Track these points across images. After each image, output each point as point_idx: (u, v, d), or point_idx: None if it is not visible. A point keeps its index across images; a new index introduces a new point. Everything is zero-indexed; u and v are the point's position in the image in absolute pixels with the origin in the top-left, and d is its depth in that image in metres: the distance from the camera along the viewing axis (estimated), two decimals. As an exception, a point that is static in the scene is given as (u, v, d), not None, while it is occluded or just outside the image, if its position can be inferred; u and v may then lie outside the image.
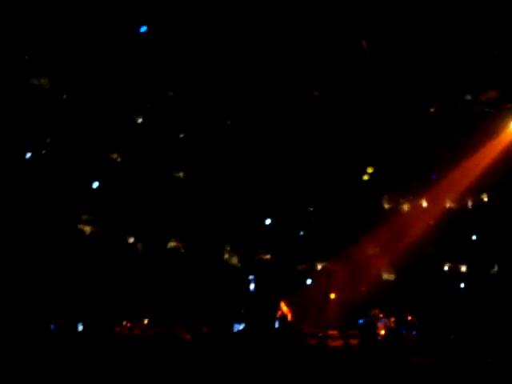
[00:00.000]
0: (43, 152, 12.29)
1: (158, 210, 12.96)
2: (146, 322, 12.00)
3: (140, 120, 12.97)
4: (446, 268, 12.65)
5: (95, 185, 13.05)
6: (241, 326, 11.45)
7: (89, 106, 12.34)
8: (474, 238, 12.76)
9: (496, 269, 12.58)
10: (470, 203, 12.65)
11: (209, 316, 11.59)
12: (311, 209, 13.16)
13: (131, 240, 13.08)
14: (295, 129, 12.62)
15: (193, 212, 13.06)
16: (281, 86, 12.26)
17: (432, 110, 11.81)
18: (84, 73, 11.92)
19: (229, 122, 13.00)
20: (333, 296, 12.33)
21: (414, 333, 11.07)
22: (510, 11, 10.55)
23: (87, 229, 12.83)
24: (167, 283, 12.43)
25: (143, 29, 11.41)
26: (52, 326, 10.29)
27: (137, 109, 12.80)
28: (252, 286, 12.70)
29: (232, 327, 11.60)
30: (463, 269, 12.55)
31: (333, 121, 12.37)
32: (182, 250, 13.01)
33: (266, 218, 12.99)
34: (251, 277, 12.71)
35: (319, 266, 12.93)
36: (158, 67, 12.05)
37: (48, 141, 12.27)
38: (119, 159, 13.28)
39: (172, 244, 13.04)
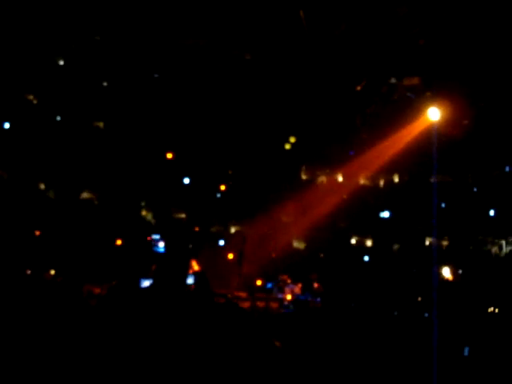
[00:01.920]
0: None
1: (74, 158, 12.53)
2: (52, 272, 11.68)
3: (62, 62, 12.40)
4: (353, 241, 13.22)
5: (6, 125, 12.39)
6: (148, 282, 11.38)
7: (5, 43, 11.61)
8: (381, 215, 13.38)
9: (397, 246, 13.32)
10: (381, 182, 13.23)
11: (118, 270, 11.44)
12: (230, 172, 13.23)
13: (42, 187, 12.59)
14: (222, 90, 12.57)
15: (110, 164, 12.75)
16: (208, 43, 12.13)
17: (358, 88, 12.15)
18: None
19: (156, 75, 12.71)
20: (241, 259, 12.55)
21: (319, 300, 11.55)
22: (437, 3, 11.01)
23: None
24: (78, 235, 12.12)
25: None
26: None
27: (59, 50, 12.20)
28: (161, 245, 12.61)
29: (139, 282, 11.51)
30: (369, 243, 13.18)
31: (261, 86, 12.43)
32: (96, 202, 12.70)
33: (184, 177, 12.92)
34: (157, 236, 12.58)
35: (233, 229, 13.09)
36: (87, 9, 11.53)
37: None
38: (35, 101, 12.66)
39: (85, 195, 12.69)
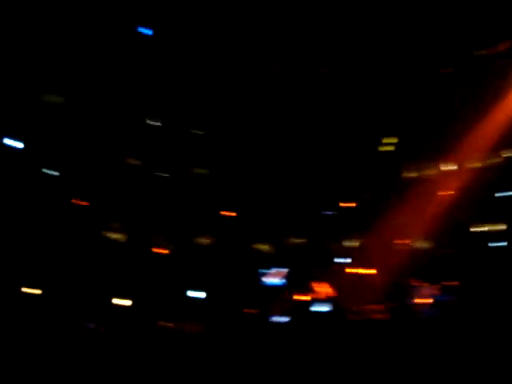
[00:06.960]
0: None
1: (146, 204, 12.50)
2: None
3: (158, 123, 12.61)
4: (473, 229, 12.54)
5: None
6: (282, 319, 11.22)
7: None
8: (498, 195, 12.64)
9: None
10: (493, 160, 12.51)
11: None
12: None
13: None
14: (308, 109, 12.49)
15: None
16: (280, 68, 12.12)
17: (443, 70, 11.65)
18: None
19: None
20: (370, 272, 12.31)
21: (454, 297, 11.00)
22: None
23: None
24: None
25: (148, 32, 11.27)
26: None
27: (152, 112, 12.49)
28: (276, 280, 12.36)
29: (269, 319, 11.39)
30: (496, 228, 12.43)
31: (345, 96, 12.24)
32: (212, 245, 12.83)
33: (296, 201, 12.84)
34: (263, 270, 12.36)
35: (349, 243, 12.87)
36: (161, 66, 11.87)
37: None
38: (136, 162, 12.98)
39: (203, 240, 12.73)
